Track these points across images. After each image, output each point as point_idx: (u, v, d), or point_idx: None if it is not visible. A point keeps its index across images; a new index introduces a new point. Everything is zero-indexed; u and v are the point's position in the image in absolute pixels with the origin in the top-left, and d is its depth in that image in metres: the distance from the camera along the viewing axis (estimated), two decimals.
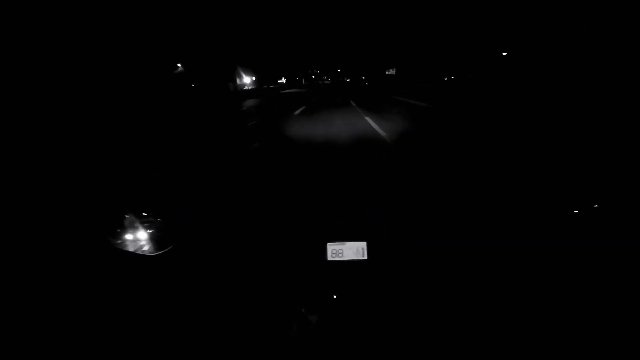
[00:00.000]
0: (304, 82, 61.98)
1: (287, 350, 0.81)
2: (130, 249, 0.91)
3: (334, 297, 0.89)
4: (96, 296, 0.92)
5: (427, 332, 0.82)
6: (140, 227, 0.93)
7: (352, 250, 0.90)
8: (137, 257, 0.90)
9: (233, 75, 29.12)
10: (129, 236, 0.92)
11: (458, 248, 0.90)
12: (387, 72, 45.58)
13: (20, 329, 0.88)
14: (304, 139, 4.51)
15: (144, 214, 0.94)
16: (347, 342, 0.80)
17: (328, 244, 0.91)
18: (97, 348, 0.85)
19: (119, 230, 0.92)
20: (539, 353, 0.76)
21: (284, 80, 49.78)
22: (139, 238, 0.92)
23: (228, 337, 0.85)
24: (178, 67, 21.91)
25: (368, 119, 5.82)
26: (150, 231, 0.93)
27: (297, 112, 8.26)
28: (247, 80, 33.47)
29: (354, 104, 10.38)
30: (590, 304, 0.83)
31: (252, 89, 30.83)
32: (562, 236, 0.90)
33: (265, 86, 35.39)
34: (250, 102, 14.26)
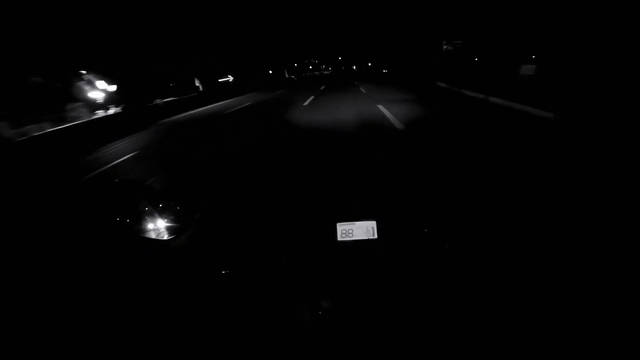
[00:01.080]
0: (288, 76, 49.59)
1: (299, 335, 0.82)
2: (145, 234, 0.93)
3: (345, 279, 0.89)
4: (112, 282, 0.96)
5: (437, 312, 0.82)
6: (155, 213, 0.95)
7: (362, 230, 0.90)
8: (151, 242, 0.92)
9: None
10: (143, 222, 0.94)
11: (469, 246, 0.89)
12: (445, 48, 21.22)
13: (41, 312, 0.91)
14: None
15: (159, 200, 0.96)
16: (360, 326, 0.80)
17: (338, 224, 0.91)
18: (113, 332, 0.89)
19: (133, 217, 0.94)
20: (539, 352, 0.76)
21: (230, 79, 33.00)
22: (153, 224, 0.94)
23: (241, 322, 0.86)
24: None
25: None
26: (165, 217, 0.95)
27: None
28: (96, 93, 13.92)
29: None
30: (590, 304, 0.82)
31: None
32: (562, 236, 0.90)
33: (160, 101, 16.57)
34: None
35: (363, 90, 13.60)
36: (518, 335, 0.79)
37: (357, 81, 22.28)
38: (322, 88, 18.06)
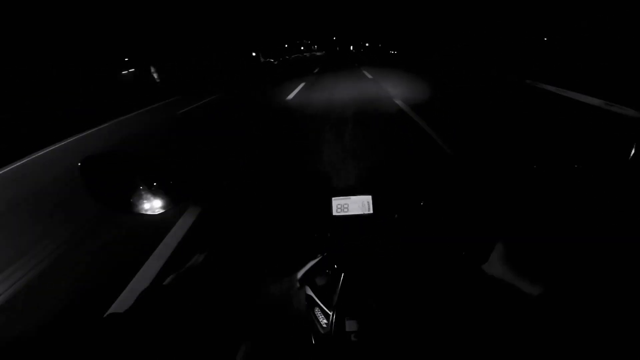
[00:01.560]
0: (264, 60, 38.26)
1: (295, 317, 0.81)
2: (138, 210, 0.92)
3: (342, 255, 0.87)
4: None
5: (431, 294, 0.82)
6: (148, 189, 0.93)
7: (357, 205, 0.89)
8: (141, 217, 0.92)
9: None
10: (135, 198, 0.93)
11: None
12: None
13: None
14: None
15: (154, 176, 0.94)
16: (354, 304, 0.78)
17: (333, 198, 0.90)
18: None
19: (129, 193, 0.92)
20: (539, 353, 0.75)
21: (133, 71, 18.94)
22: (146, 199, 0.93)
23: (234, 304, 0.83)
24: None
25: None
26: (159, 192, 0.94)
27: None
28: None
29: None
30: (590, 305, 0.81)
31: None
32: (562, 236, 0.88)
33: None
34: None
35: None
36: (519, 333, 0.78)
37: (364, 68, 16.40)
38: (301, 85, 11.96)
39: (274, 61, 33.66)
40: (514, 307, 0.84)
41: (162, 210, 0.91)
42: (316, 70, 18.04)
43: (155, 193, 0.94)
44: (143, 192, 0.93)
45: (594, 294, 0.81)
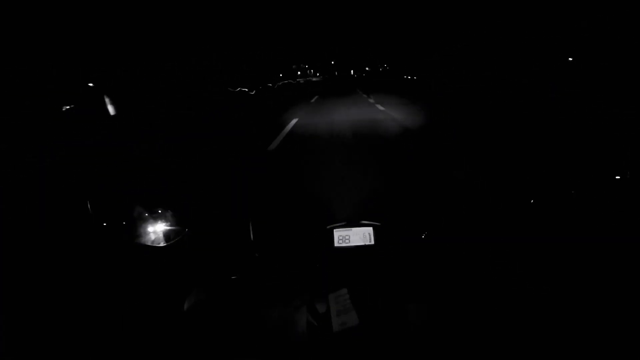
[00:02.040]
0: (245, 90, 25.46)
1: (296, 343, 0.81)
2: (139, 240, 0.93)
3: (342, 285, 0.86)
4: (105, 288, 0.94)
5: (434, 323, 0.82)
6: (149, 218, 0.95)
7: (358, 236, 0.90)
8: (145, 249, 0.92)
9: None
10: (137, 228, 0.94)
11: (467, 245, 0.90)
12: None
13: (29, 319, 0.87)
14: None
15: (153, 206, 0.96)
16: (356, 333, 0.77)
17: (334, 229, 0.91)
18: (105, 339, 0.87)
19: (127, 222, 0.93)
20: (538, 353, 0.76)
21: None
22: (148, 230, 0.94)
23: (236, 330, 0.84)
24: None
25: None
26: (161, 223, 0.95)
27: None
28: None
29: None
30: (590, 305, 0.82)
31: None
32: (562, 236, 0.89)
33: None
34: None
35: None
36: (519, 338, 0.78)
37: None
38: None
39: (250, 91, 24.50)
40: (514, 307, 0.83)
41: (165, 243, 0.93)
42: (313, 100, 13.64)
43: (157, 223, 0.96)
44: (146, 224, 0.95)
45: (593, 293, 0.82)
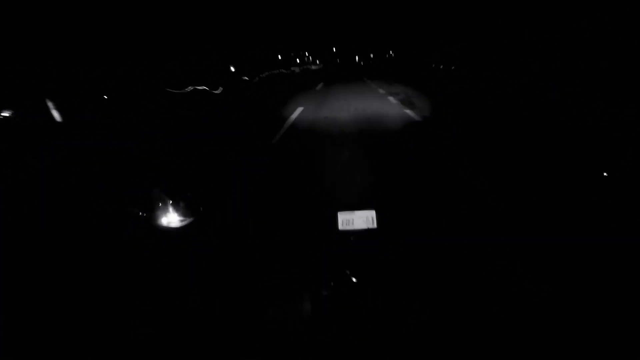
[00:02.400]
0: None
1: (302, 327, 0.84)
2: (157, 221, 0.98)
3: (347, 269, 0.89)
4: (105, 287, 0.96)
5: (434, 305, 0.85)
6: (167, 200, 1.00)
7: (361, 219, 0.92)
8: (162, 230, 0.97)
9: None
10: (155, 208, 0.99)
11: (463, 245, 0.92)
12: None
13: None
14: None
15: (171, 188, 1.00)
16: (359, 316, 0.81)
17: (339, 212, 0.93)
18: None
19: (147, 203, 0.99)
20: (538, 349, 0.76)
21: None
22: (166, 210, 1.00)
23: (244, 310, 0.89)
24: None
25: None
26: (177, 204, 1.00)
27: None
28: None
29: None
30: (589, 304, 0.83)
31: None
32: (563, 236, 0.92)
33: None
34: None
35: None
36: (519, 337, 0.79)
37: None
38: None
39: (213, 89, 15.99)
40: (514, 306, 0.85)
41: (182, 224, 0.98)
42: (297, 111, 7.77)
43: (175, 205, 1.01)
44: (163, 205, 0.99)
45: (593, 293, 0.84)
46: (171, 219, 1.00)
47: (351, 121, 5.91)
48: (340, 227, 0.93)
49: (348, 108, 7.41)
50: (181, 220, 1.00)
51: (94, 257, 1.27)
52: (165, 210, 0.99)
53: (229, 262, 1.00)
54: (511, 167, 3.13)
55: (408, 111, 6.57)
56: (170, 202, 1.00)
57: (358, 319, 0.80)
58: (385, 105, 7.69)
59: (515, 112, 6.29)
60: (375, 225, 0.92)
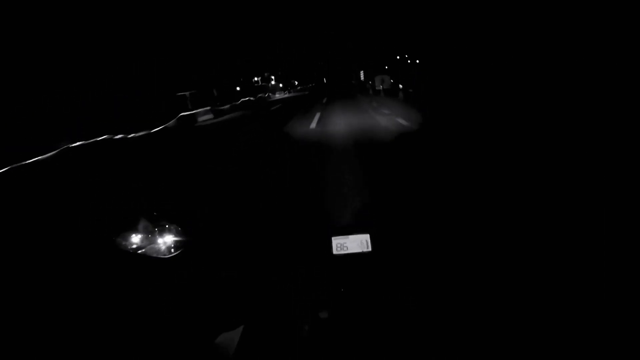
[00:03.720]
0: None
1: (299, 348, 0.83)
2: (145, 252, 0.95)
3: (342, 291, 0.90)
4: (108, 297, 0.94)
5: (431, 325, 0.85)
6: (154, 231, 0.98)
7: (356, 243, 0.92)
8: (150, 260, 0.94)
9: None
10: (141, 240, 0.97)
11: (460, 242, 0.94)
12: None
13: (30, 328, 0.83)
14: None
15: (158, 219, 0.99)
16: (357, 336, 0.81)
17: (333, 237, 0.93)
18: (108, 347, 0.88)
19: (132, 234, 0.96)
20: (538, 351, 0.77)
21: None
22: (153, 241, 0.98)
23: (240, 338, 0.87)
24: None
25: None
26: (165, 235, 0.98)
27: None
28: None
29: None
30: (589, 304, 0.85)
31: None
32: (562, 236, 0.95)
33: None
34: None
35: None
36: (517, 340, 0.80)
37: None
38: None
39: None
40: (511, 309, 0.87)
41: (171, 255, 0.96)
42: None
43: (162, 235, 0.99)
44: (151, 235, 0.98)
45: (593, 293, 0.86)
46: (163, 249, 0.98)
47: None
48: (335, 251, 0.93)
49: None
50: (171, 251, 0.98)
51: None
52: (157, 241, 0.98)
53: (219, 288, 0.98)
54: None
55: None
56: (160, 233, 0.98)
57: (354, 342, 0.81)
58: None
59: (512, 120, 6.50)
60: (370, 249, 0.92)
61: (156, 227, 0.99)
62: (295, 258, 0.99)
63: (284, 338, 0.87)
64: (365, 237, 0.93)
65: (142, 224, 0.98)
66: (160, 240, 0.98)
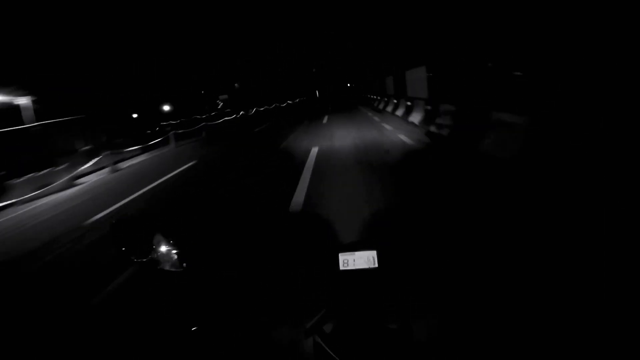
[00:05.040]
0: None
1: None
2: (160, 266, 1.00)
3: (347, 306, 0.91)
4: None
5: (436, 344, 0.86)
6: (167, 245, 1.02)
7: (362, 260, 0.93)
8: (163, 272, 0.99)
9: None
10: (158, 254, 1.02)
11: (468, 254, 0.94)
12: None
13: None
14: None
15: (173, 232, 1.02)
16: (362, 352, 0.82)
17: (340, 254, 0.95)
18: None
19: (147, 247, 1.01)
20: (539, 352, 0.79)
21: None
22: (168, 256, 1.02)
23: (246, 351, 0.89)
24: None
25: None
26: (179, 249, 1.02)
27: None
28: None
29: None
30: (589, 304, 0.87)
31: None
32: (562, 236, 0.97)
33: None
34: None
35: None
36: (528, 341, 0.81)
37: None
38: None
39: None
40: (519, 327, 0.89)
41: (180, 269, 1.01)
42: None
43: (175, 251, 1.04)
44: (165, 250, 1.02)
45: (593, 293, 0.89)
46: (172, 264, 1.02)
47: None
48: (341, 267, 0.94)
49: None
50: (182, 265, 1.03)
51: None
52: (167, 254, 1.02)
53: (228, 304, 1.02)
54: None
55: None
56: (172, 246, 1.03)
57: (359, 358, 0.82)
58: None
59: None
60: (376, 265, 0.93)
61: (170, 240, 1.03)
62: (302, 273, 1.02)
63: (288, 352, 0.89)
64: (372, 254, 0.94)
65: (156, 237, 1.03)
66: (174, 254, 1.03)
